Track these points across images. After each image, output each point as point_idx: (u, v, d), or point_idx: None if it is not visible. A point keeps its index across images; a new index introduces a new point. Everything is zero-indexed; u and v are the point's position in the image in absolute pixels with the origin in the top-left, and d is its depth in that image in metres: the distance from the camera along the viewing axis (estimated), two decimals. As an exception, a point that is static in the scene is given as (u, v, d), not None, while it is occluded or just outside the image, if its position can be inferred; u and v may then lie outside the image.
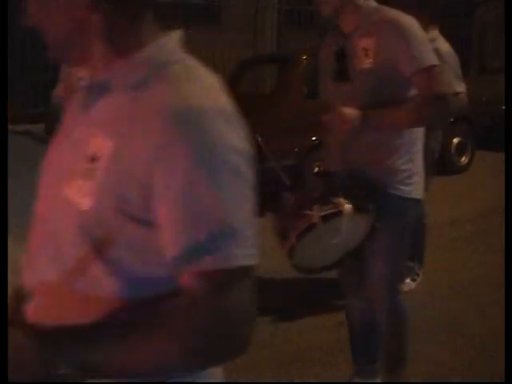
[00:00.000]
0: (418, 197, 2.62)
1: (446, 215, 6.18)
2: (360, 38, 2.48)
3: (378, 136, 2.49)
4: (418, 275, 4.31)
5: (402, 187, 2.51)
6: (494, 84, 10.18)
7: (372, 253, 2.57)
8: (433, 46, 3.78)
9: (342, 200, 2.26)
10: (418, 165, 2.60)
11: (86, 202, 1.06)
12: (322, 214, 2.24)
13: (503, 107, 9.45)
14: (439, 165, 8.07)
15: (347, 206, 2.25)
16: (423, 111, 2.41)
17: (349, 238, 2.34)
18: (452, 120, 8.03)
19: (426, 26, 3.86)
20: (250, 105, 3.60)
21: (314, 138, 6.15)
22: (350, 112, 2.40)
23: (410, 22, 2.47)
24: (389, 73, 2.45)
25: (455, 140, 8.02)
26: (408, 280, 4.15)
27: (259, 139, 2.45)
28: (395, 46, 2.42)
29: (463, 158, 8.18)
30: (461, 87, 3.78)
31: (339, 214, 2.24)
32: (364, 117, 2.38)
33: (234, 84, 7.13)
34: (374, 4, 2.63)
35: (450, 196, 7.04)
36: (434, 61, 2.42)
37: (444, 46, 3.83)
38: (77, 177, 1.09)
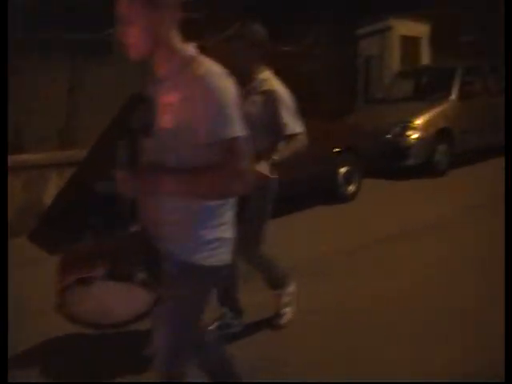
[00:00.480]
0: (220, 264, 2.27)
1: (340, 244, 6.20)
2: (167, 91, 2.16)
3: (175, 199, 2.16)
4: (230, 324, 4.13)
5: (197, 255, 2.21)
6: (379, 113, 10.45)
7: (161, 321, 2.32)
8: (265, 87, 3.69)
9: (99, 263, 1.97)
10: (224, 231, 2.28)
11: None
12: (78, 276, 1.98)
13: (387, 136, 9.81)
14: (327, 194, 8.22)
15: (99, 272, 1.95)
16: (218, 185, 2.08)
17: (117, 303, 2.07)
18: (338, 150, 8.10)
19: (256, 67, 3.76)
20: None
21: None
22: (143, 171, 2.09)
23: (218, 82, 2.12)
24: (188, 136, 2.11)
25: (342, 169, 8.09)
26: (216, 323, 4.01)
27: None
28: (197, 108, 2.08)
29: (351, 187, 8.26)
30: (298, 128, 3.59)
31: (91, 278, 1.96)
32: (153, 178, 2.07)
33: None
34: (192, 52, 2.21)
35: (340, 225, 7.08)
36: (238, 132, 2.09)
37: (277, 86, 3.60)
38: None
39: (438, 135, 9.75)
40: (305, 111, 7.96)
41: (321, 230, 6.89)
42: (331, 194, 8.21)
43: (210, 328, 3.91)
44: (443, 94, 10.59)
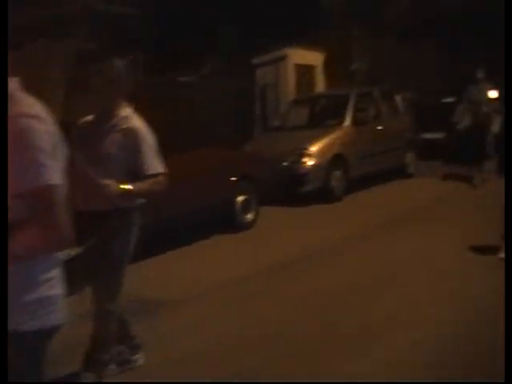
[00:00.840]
0: (48, 325, 2.04)
1: (236, 272, 6.12)
2: None
3: None
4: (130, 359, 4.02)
5: (17, 320, 1.96)
6: (275, 141, 10.51)
7: None
8: (126, 125, 3.53)
9: None
10: (49, 289, 2.06)
11: None
12: None
13: (284, 163, 9.86)
14: (225, 223, 8.13)
15: None
16: (29, 241, 1.89)
17: None
18: (236, 178, 8.05)
19: (116, 104, 3.58)
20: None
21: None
22: None
23: (31, 124, 1.87)
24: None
25: (240, 198, 8.03)
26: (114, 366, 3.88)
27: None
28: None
29: (249, 215, 8.21)
30: (160, 168, 3.45)
31: None
32: None
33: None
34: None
35: (237, 253, 7.02)
36: (52, 180, 1.91)
37: (138, 124, 3.49)
38: None
39: (333, 161, 9.89)
40: (199, 140, 7.90)
41: (216, 259, 6.82)
42: (229, 223, 8.12)
43: (110, 366, 3.80)
44: (337, 121, 10.80)
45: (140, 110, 3.70)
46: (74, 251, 3.38)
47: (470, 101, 10.82)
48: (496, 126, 10.01)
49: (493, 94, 10.95)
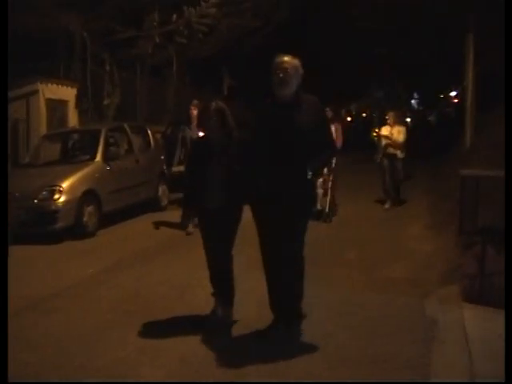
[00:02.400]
0: None
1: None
2: None
3: None
4: None
5: None
6: (26, 178, 10.29)
7: None
8: None
9: None
10: None
11: None
12: None
13: (35, 200, 9.63)
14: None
15: None
16: None
17: None
18: None
19: None
20: None
21: None
22: None
23: None
24: None
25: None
26: None
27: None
28: None
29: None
30: None
31: None
32: None
33: None
34: None
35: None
36: None
37: None
38: None
39: (85, 197, 9.92)
40: None
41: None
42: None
43: None
44: (89, 156, 10.88)
45: None
46: None
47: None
48: None
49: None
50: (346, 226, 10.30)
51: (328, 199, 10.67)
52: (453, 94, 35.98)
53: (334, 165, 10.64)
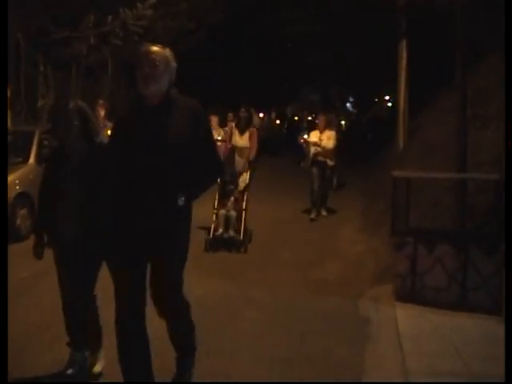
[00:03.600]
0: None
1: None
2: None
3: None
4: None
5: None
6: None
7: None
8: None
9: None
10: None
11: None
12: None
13: None
14: None
15: None
16: None
17: None
18: None
19: None
20: None
21: None
22: None
23: None
24: None
25: None
26: None
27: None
28: None
29: None
30: None
31: None
32: None
33: None
34: None
35: None
36: None
37: None
38: None
39: (18, 200, 9.69)
40: None
41: None
42: None
43: None
44: (22, 159, 10.63)
45: None
46: None
47: None
48: None
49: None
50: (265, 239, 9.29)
51: (242, 223, 8.73)
52: (387, 97, 36.86)
53: (248, 180, 9.43)
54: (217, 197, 9.00)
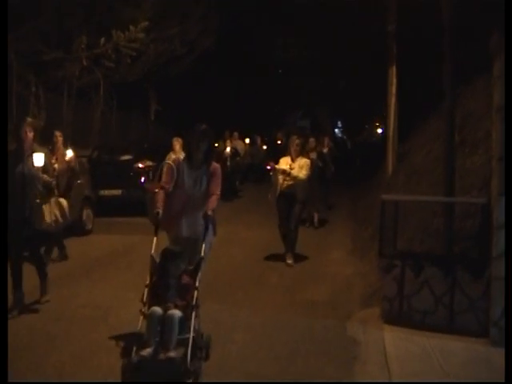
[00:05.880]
0: None
1: None
2: None
3: None
4: None
5: None
6: None
7: None
8: None
9: None
10: None
11: None
12: None
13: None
14: None
15: None
16: None
17: None
18: None
19: None
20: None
21: None
22: None
23: None
24: None
25: None
26: None
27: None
28: None
29: None
30: None
31: None
32: None
33: None
34: None
35: None
36: None
37: None
38: None
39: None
40: None
41: None
42: None
43: None
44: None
45: None
46: None
47: None
48: None
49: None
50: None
51: (192, 322, 4.68)
52: (377, 124, 37.22)
53: (204, 251, 5.15)
54: (147, 281, 4.97)
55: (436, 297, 5.99)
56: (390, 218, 6.58)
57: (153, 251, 5.11)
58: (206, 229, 5.25)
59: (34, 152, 6.54)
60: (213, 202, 5.47)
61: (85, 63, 15.05)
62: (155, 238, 5.19)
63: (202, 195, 5.52)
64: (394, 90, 14.90)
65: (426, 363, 5.06)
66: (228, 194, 17.81)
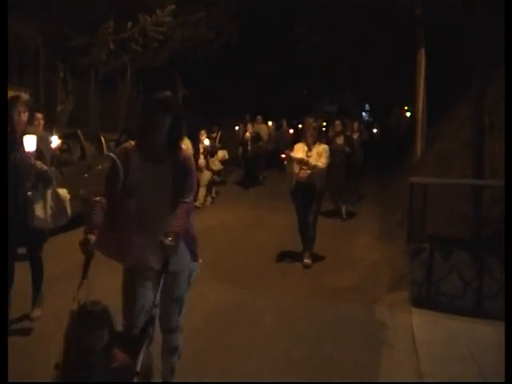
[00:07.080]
0: None
1: None
2: None
3: None
4: None
5: None
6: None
7: None
8: None
9: None
10: None
11: None
12: None
13: None
14: None
15: None
16: None
17: None
18: None
19: None
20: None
21: None
22: None
23: None
24: None
25: None
26: None
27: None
28: None
29: None
30: None
31: None
32: None
33: None
34: None
35: None
36: None
37: None
38: None
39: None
40: None
41: None
42: None
43: None
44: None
45: None
46: None
47: None
48: None
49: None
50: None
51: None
52: (405, 107, 36.81)
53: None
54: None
55: (464, 281, 5.96)
56: (419, 202, 6.54)
57: (75, 304, 3.18)
58: (166, 262, 3.35)
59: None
60: (181, 216, 3.47)
61: (112, 48, 15.09)
62: (83, 281, 3.29)
63: (166, 202, 3.54)
64: (422, 72, 14.69)
65: (454, 347, 5.04)
66: (249, 181, 17.72)
